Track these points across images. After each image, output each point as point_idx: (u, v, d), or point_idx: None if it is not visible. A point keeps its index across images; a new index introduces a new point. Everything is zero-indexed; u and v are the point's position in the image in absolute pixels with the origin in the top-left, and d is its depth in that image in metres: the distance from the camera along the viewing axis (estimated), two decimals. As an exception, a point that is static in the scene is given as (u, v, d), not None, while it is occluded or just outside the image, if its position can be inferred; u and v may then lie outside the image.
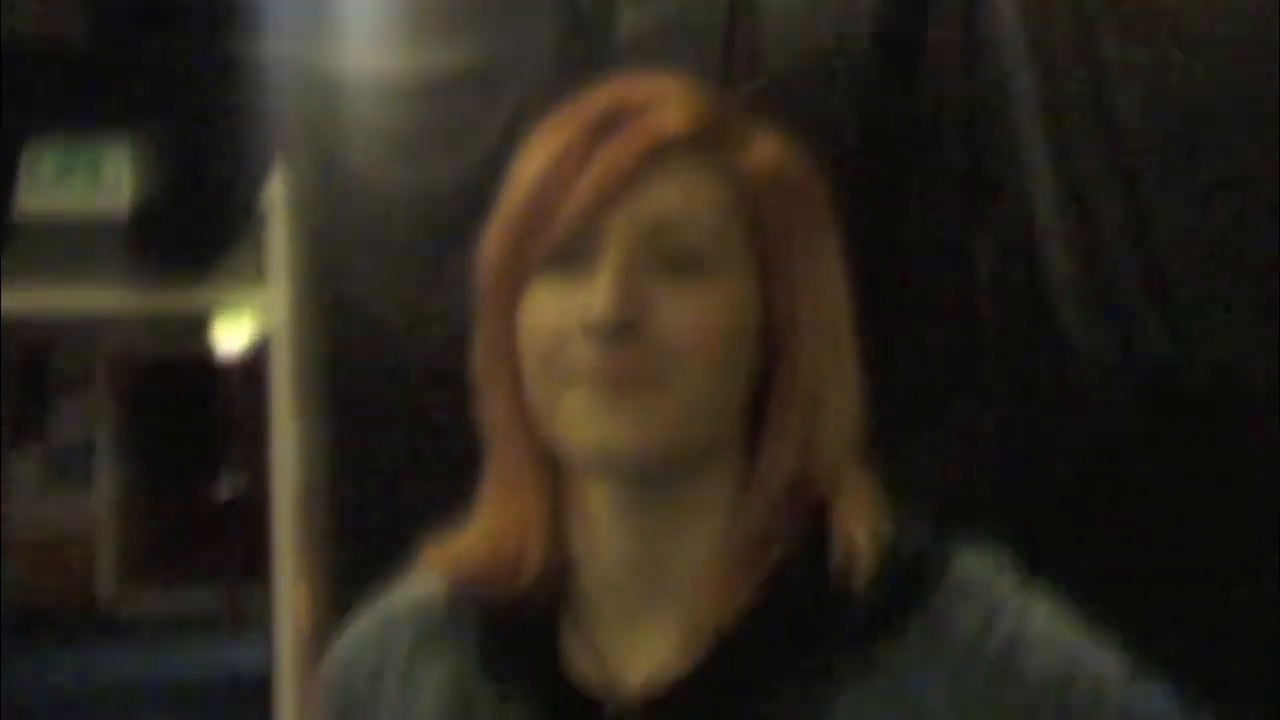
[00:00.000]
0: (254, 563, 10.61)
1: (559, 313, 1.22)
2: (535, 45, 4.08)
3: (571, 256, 1.22)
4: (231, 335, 12.60)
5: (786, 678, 1.20)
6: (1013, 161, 2.75)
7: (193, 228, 6.70)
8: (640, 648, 1.26)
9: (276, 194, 7.23)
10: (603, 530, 1.26)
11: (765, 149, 1.28)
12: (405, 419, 5.25)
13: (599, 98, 1.27)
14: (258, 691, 9.46)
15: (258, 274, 8.61)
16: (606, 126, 1.23)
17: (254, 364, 10.87)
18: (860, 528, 1.24)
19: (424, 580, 1.35)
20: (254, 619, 11.44)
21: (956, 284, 2.79)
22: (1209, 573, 2.47)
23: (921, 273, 2.82)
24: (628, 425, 1.19)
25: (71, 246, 8.35)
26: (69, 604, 15.10)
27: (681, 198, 1.22)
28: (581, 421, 1.20)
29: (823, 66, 2.86)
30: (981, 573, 1.26)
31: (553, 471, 1.27)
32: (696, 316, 1.20)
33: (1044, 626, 1.24)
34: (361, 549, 5.43)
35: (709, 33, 3.18)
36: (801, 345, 1.25)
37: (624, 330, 1.19)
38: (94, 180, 8.19)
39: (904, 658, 1.21)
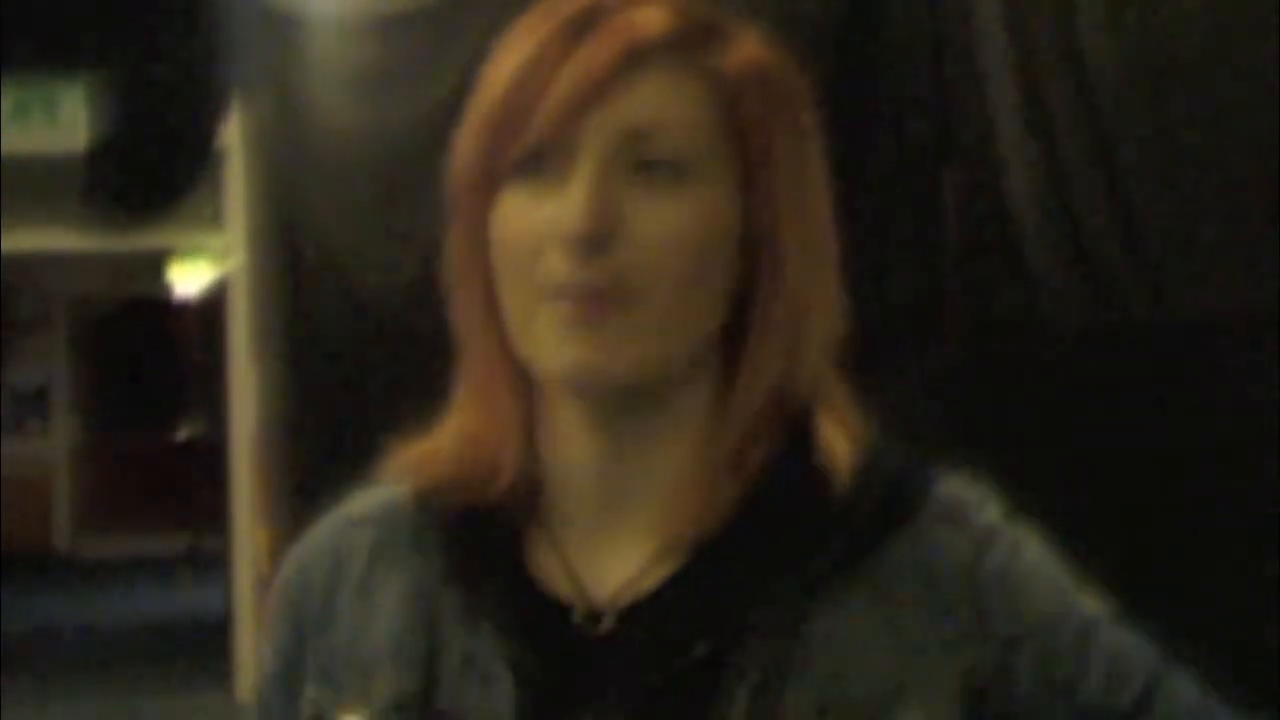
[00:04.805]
0: (212, 506, 10.57)
1: (531, 224, 1.17)
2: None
3: (544, 164, 1.16)
4: (189, 277, 12.51)
5: (765, 590, 1.17)
6: (979, 98, 2.73)
7: (150, 168, 6.63)
8: (612, 559, 1.22)
9: (234, 134, 7.17)
10: (574, 443, 1.22)
11: (746, 49, 1.22)
12: (363, 360, 5.23)
13: None
14: (216, 635, 9.45)
15: (216, 215, 8.56)
16: (581, 27, 1.17)
17: (212, 306, 10.81)
18: (841, 435, 1.20)
19: (386, 488, 1.31)
20: (212, 562, 11.40)
21: (923, 221, 2.77)
22: (1178, 512, 2.47)
23: (889, 210, 2.81)
24: (602, 345, 1.15)
25: (27, 187, 8.28)
26: (25, 548, 15.02)
27: (658, 104, 1.17)
28: (554, 341, 1.16)
29: (788, 2, 2.83)
30: (969, 500, 1.23)
31: (526, 381, 1.23)
32: (673, 228, 1.15)
33: (1034, 564, 1.21)
34: (321, 491, 5.40)
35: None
36: (784, 254, 1.20)
37: (597, 243, 1.14)
38: (50, 120, 8.11)
39: (886, 576, 1.18)
